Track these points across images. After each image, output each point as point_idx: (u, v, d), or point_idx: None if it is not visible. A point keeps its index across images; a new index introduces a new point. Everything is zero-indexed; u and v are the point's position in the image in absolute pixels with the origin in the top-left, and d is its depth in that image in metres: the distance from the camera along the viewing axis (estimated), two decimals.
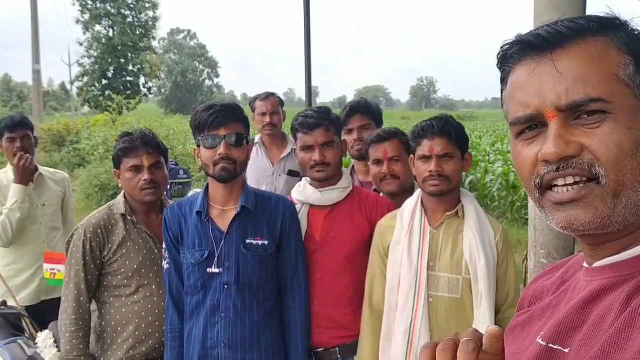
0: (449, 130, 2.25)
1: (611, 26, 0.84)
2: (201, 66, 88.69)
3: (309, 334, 2.50)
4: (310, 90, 6.15)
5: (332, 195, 2.56)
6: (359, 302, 2.48)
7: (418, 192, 2.39)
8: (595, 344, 0.77)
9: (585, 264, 0.92)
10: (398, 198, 2.55)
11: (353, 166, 3.47)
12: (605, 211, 0.80)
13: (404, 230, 2.33)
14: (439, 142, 2.24)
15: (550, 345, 0.86)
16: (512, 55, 0.89)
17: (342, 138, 2.66)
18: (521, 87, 0.87)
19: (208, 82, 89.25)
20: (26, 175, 3.54)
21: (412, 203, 2.38)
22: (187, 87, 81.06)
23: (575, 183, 0.81)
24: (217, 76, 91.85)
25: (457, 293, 2.23)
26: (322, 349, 2.53)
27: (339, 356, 2.52)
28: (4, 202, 3.59)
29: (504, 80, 0.92)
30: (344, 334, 2.51)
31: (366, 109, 3.35)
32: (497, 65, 0.93)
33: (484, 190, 11.46)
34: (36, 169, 3.76)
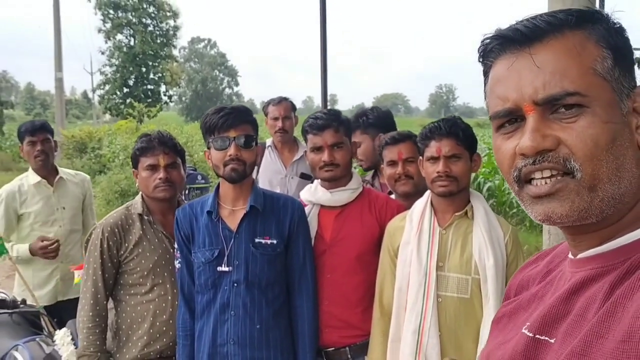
0: (457, 131, 2.27)
1: (590, 20, 0.85)
2: (221, 75, 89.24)
3: (317, 332, 2.53)
4: (325, 97, 6.20)
5: (342, 196, 2.59)
6: (369, 302, 2.50)
7: (427, 193, 2.42)
8: (579, 333, 0.79)
9: (569, 255, 0.93)
10: (412, 199, 2.57)
11: (375, 171, 3.50)
12: (582, 204, 0.81)
13: (413, 230, 2.35)
14: (447, 143, 2.26)
15: (537, 336, 0.87)
16: (492, 50, 0.90)
17: (352, 140, 2.69)
18: (500, 81, 0.88)
19: (228, 91, 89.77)
20: (46, 257, 3.60)
21: (421, 204, 2.41)
22: (207, 96, 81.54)
23: (552, 176, 0.82)
24: (237, 84, 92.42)
25: (466, 293, 2.24)
26: (333, 349, 2.55)
27: (349, 356, 2.54)
28: (19, 209, 3.68)
29: (485, 74, 0.93)
30: (354, 333, 2.53)
31: (356, 126, 3.37)
32: (479, 59, 0.94)
33: (502, 197, 11.38)
34: (57, 172, 3.85)
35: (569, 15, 0.85)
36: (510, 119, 0.87)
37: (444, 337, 2.24)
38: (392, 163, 2.78)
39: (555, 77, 0.82)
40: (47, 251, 3.53)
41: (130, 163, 2.81)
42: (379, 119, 3.51)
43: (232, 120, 2.37)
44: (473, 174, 2.54)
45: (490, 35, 0.90)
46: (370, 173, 3.54)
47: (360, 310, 2.54)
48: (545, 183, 0.83)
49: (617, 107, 0.82)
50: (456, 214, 2.32)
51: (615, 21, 0.87)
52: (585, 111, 0.81)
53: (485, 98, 0.95)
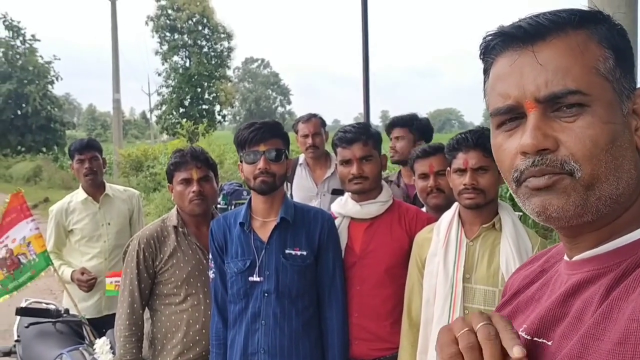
0: (484, 142, 2.24)
1: (592, 20, 0.85)
2: (274, 94, 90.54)
3: (347, 344, 2.54)
4: (368, 112, 6.25)
5: (371, 208, 2.60)
6: (398, 315, 2.50)
7: (455, 205, 2.40)
8: (575, 335, 0.78)
9: (565, 257, 0.92)
10: (443, 211, 2.56)
11: (400, 171, 3.77)
12: (578, 200, 0.81)
13: (440, 242, 2.34)
14: (474, 155, 2.25)
15: (535, 338, 0.87)
16: (494, 47, 0.90)
17: (382, 152, 2.70)
18: (502, 78, 0.87)
19: (280, 109, 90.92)
20: (80, 288, 3.74)
21: (449, 215, 2.39)
22: (261, 115, 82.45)
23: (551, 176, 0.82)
24: (289, 103, 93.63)
25: (493, 305, 2.21)
26: None
27: None
28: (68, 225, 3.84)
29: (486, 71, 0.93)
30: (383, 346, 2.53)
31: (404, 123, 3.85)
32: (480, 56, 0.93)
33: None
34: (104, 189, 3.99)
35: (572, 14, 0.84)
36: (511, 117, 0.87)
37: None
38: (424, 176, 2.79)
39: (558, 75, 0.81)
40: (81, 284, 3.68)
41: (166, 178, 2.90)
42: (426, 128, 3.95)
43: (262, 135, 2.44)
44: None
45: (493, 32, 0.90)
46: (395, 174, 3.91)
47: (389, 323, 2.53)
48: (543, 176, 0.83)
49: (618, 107, 0.82)
50: (483, 225, 2.29)
51: (616, 22, 0.86)
52: (586, 110, 0.80)
53: (484, 96, 0.94)
